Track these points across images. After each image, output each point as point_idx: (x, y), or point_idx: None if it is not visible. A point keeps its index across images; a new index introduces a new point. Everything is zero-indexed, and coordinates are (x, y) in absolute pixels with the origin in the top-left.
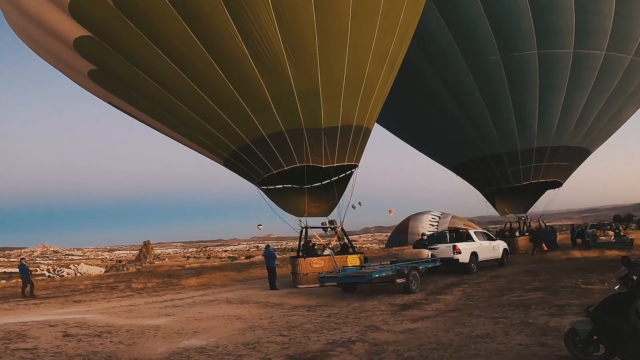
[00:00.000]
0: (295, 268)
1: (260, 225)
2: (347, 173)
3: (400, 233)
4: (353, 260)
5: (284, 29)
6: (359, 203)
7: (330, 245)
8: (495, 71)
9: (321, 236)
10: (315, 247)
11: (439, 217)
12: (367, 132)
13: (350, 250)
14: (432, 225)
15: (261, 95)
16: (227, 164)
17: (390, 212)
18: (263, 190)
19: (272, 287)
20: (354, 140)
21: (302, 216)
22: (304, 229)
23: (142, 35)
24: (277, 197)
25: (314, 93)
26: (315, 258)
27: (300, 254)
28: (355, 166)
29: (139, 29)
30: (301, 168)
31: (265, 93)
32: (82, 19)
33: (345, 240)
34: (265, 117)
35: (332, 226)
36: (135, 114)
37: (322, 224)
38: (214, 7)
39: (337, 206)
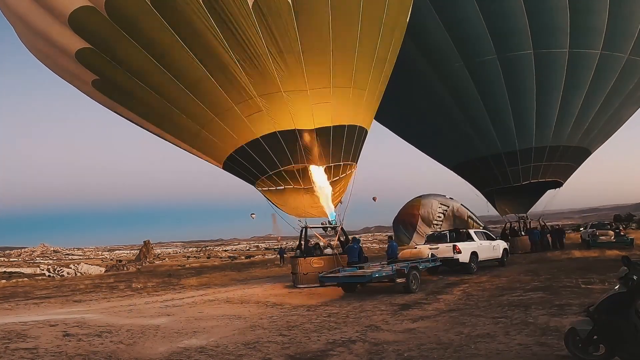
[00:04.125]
0: (295, 268)
1: (254, 214)
2: (347, 173)
3: (410, 217)
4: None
5: (267, 33)
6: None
7: (332, 245)
8: (492, 71)
9: (322, 236)
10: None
11: (447, 207)
12: (363, 132)
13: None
14: (442, 208)
15: (252, 99)
16: (226, 167)
17: (373, 199)
18: (262, 191)
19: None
20: (349, 140)
21: (302, 217)
22: (303, 229)
23: (136, 45)
24: (276, 197)
25: (301, 94)
26: (315, 258)
27: (301, 253)
28: (354, 166)
29: (133, 39)
30: (298, 169)
31: (256, 96)
32: (81, 31)
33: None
34: (258, 120)
35: (332, 226)
36: (137, 120)
37: (322, 224)
38: (199, 15)
39: (337, 206)
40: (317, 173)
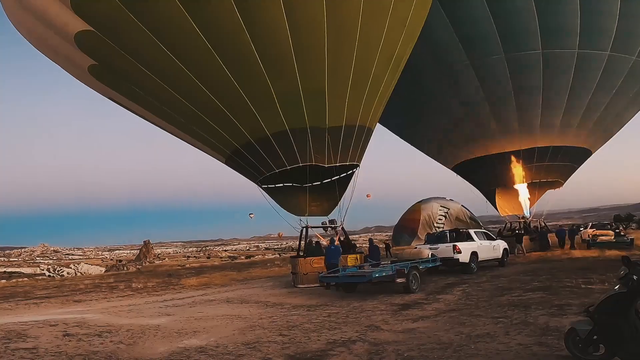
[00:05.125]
0: (295, 268)
1: (252, 214)
2: (349, 173)
3: (412, 223)
4: (352, 260)
5: (294, 27)
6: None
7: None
8: (499, 70)
9: (322, 236)
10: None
11: (448, 210)
12: (370, 132)
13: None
14: (442, 210)
15: (267, 94)
16: (229, 162)
17: (367, 196)
18: (264, 188)
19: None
20: (357, 140)
21: (303, 215)
22: (304, 229)
23: (146, 31)
24: (278, 195)
25: (319, 92)
26: (315, 258)
27: (301, 253)
28: (357, 166)
29: (143, 24)
30: (303, 167)
31: (271, 92)
32: (84, 13)
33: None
34: (270, 116)
35: (333, 225)
36: (136, 109)
37: (323, 223)
38: (223, 3)
39: (338, 205)
40: (324, 173)
